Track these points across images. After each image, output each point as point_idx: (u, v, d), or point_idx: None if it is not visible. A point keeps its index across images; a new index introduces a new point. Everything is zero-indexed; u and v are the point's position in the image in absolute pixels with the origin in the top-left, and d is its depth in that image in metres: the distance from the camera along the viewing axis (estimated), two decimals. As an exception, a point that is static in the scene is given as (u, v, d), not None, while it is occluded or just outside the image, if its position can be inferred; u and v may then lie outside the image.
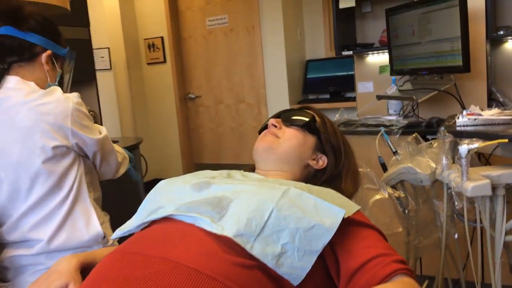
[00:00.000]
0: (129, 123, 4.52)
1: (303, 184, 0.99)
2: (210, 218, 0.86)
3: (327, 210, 0.88)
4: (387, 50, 2.54)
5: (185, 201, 0.92)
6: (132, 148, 2.47)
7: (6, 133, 1.29)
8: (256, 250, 0.81)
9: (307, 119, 1.17)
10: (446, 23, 2.06)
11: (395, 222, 1.32)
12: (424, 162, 1.57)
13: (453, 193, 1.37)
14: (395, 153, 1.69)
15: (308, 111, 1.21)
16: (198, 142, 4.74)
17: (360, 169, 1.29)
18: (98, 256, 1.00)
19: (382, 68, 2.72)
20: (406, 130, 2.08)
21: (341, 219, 0.86)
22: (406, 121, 2.28)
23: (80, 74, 2.98)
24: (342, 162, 1.17)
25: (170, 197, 0.96)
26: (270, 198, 0.87)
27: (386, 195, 1.34)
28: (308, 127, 1.16)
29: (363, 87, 2.85)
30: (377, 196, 1.32)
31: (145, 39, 4.64)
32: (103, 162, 1.47)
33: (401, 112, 2.59)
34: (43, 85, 1.41)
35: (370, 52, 2.78)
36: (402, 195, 1.60)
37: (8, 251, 1.35)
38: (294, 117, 1.17)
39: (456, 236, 1.49)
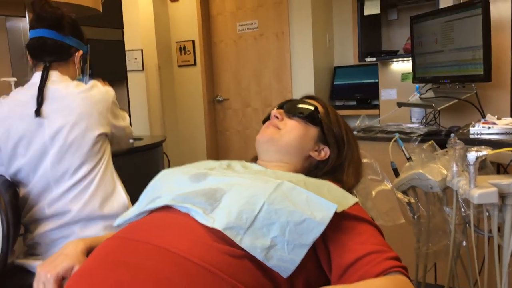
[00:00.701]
0: (158, 122, 4.64)
1: (300, 177, 1.01)
2: (202, 209, 0.88)
3: (319, 204, 0.88)
4: (410, 58, 2.54)
5: (182, 191, 0.94)
6: (155, 146, 2.56)
7: (63, 117, 1.47)
8: (246, 243, 0.83)
9: (309, 110, 1.15)
10: (469, 32, 2.05)
11: (398, 213, 1.31)
12: (435, 169, 1.57)
13: (460, 199, 1.37)
14: (408, 159, 1.70)
15: (311, 101, 1.19)
16: (224, 144, 4.81)
17: (365, 160, 1.27)
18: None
19: (404, 76, 2.72)
20: (425, 138, 2.07)
21: (332, 213, 0.87)
22: (426, 129, 2.27)
23: (112, 74, 3.13)
24: (345, 154, 1.16)
25: (169, 187, 0.99)
26: (263, 192, 0.88)
27: (389, 186, 1.32)
28: (311, 118, 1.14)
29: (387, 94, 2.85)
30: (381, 187, 1.31)
31: (177, 42, 4.76)
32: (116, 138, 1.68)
33: (424, 121, 2.58)
34: (73, 79, 1.62)
35: (394, 60, 2.78)
36: (413, 200, 1.61)
37: (42, 226, 1.49)
38: (297, 108, 1.16)
39: (464, 244, 1.49)
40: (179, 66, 4.81)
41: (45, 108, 1.47)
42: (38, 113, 1.45)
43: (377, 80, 3.24)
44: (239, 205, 0.86)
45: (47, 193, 1.49)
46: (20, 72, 2.04)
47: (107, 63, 3.08)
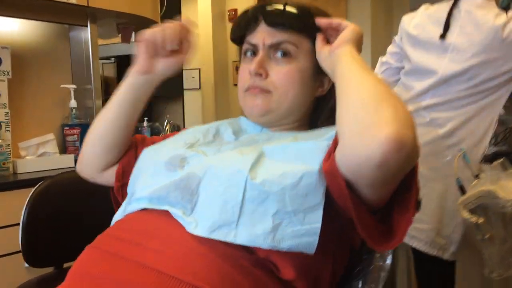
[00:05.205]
0: (213, 141, 4.67)
1: (292, 134, 0.85)
2: (181, 210, 0.73)
3: (312, 149, 0.72)
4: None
5: (157, 185, 0.78)
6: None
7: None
8: (242, 237, 0.67)
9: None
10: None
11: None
12: (507, 187, 1.44)
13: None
14: (476, 176, 1.57)
15: (289, 10, 0.86)
16: (278, 165, 4.76)
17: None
18: None
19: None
20: (494, 157, 1.91)
21: (327, 145, 0.71)
22: (495, 149, 2.10)
23: (169, 91, 3.19)
24: None
25: (144, 179, 0.83)
26: (242, 166, 0.70)
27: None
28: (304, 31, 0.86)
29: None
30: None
31: (233, 61, 4.81)
32: None
33: (492, 141, 2.40)
34: None
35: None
36: (481, 220, 1.47)
37: None
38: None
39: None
40: (234, 85, 4.85)
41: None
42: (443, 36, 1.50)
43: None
44: (219, 194, 0.70)
45: None
46: (80, 80, 2.10)
47: (165, 81, 3.13)
